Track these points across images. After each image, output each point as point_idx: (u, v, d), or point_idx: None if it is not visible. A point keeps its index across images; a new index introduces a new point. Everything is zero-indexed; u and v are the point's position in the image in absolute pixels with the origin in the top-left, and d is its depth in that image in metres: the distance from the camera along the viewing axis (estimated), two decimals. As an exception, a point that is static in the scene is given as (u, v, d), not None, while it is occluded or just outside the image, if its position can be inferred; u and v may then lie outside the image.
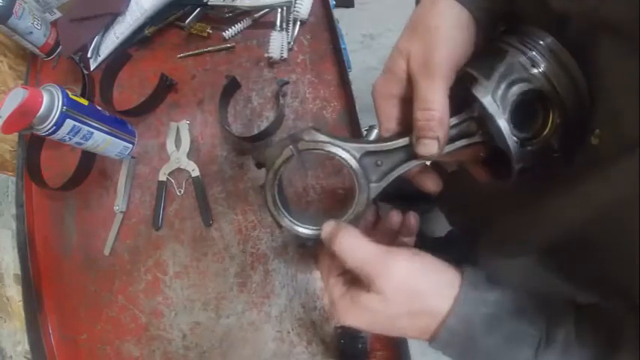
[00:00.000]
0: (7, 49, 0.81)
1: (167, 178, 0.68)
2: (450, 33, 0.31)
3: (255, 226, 0.64)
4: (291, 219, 0.35)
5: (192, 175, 0.67)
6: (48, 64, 0.84)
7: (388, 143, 0.33)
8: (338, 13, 0.77)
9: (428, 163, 0.37)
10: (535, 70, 0.29)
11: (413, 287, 0.30)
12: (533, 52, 0.29)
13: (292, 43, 0.70)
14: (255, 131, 0.67)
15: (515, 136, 0.29)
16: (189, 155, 0.69)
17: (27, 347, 0.65)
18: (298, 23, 0.71)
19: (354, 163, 0.33)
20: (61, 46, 0.82)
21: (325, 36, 0.71)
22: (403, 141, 0.32)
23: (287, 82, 0.67)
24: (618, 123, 0.26)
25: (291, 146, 0.33)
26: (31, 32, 0.77)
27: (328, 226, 0.33)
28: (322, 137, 0.33)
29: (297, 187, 0.63)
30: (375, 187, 0.33)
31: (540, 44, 0.29)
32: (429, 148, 0.30)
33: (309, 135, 0.33)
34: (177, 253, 0.65)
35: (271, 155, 0.34)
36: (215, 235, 0.65)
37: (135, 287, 0.65)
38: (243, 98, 0.70)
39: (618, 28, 0.25)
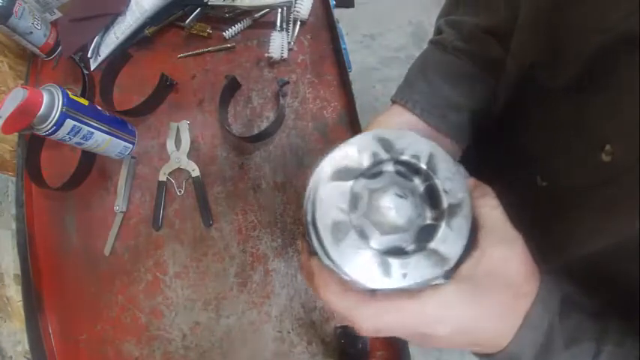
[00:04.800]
0: (7, 49, 0.81)
1: (167, 178, 0.68)
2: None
3: (255, 226, 0.64)
4: None
5: (193, 175, 0.67)
6: (48, 64, 0.84)
7: None
8: (338, 13, 0.77)
9: None
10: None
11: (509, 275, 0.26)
12: None
13: (292, 43, 0.70)
14: (255, 131, 0.67)
15: None
16: (189, 155, 0.69)
17: (27, 347, 0.65)
18: (298, 23, 0.71)
19: None
20: (61, 46, 0.82)
21: (325, 36, 0.71)
22: None
23: (287, 82, 0.67)
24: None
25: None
26: (31, 32, 0.77)
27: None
28: None
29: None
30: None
31: None
32: None
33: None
34: (177, 253, 0.65)
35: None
36: (215, 235, 0.65)
37: (135, 287, 0.65)
38: (243, 98, 0.70)
39: None
